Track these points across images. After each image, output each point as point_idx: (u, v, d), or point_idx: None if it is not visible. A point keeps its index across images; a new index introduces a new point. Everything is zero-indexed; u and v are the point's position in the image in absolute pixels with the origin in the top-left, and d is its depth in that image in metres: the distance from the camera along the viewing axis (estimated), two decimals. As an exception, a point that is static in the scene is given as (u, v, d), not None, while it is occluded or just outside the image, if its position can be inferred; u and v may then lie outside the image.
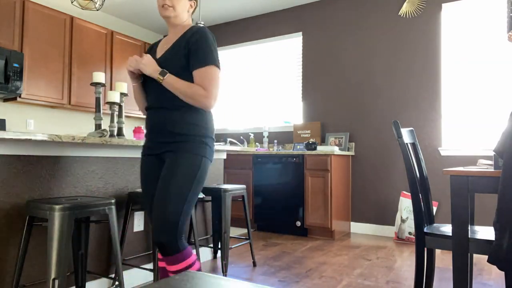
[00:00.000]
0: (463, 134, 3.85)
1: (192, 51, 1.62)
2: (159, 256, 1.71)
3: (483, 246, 1.66)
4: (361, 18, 4.46)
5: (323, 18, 4.73)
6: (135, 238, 2.60)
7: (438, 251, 3.52)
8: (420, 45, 4.10)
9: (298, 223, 4.11)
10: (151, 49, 1.85)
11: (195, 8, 1.81)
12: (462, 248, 1.66)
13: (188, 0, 1.74)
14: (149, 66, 1.63)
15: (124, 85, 2.57)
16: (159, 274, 1.75)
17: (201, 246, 3.03)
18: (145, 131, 1.71)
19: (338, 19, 4.62)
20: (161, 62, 1.66)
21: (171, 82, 1.60)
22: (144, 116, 1.66)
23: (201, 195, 2.80)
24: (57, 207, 1.71)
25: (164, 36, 1.85)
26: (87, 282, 2.26)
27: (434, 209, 3.89)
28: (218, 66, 1.64)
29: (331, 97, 4.62)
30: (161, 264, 1.72)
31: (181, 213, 1.56)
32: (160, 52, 1.75)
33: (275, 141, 4.84)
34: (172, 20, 1.72)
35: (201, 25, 1.75)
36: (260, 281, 2.63)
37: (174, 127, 1.62)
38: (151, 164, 1.73)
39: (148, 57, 1.65)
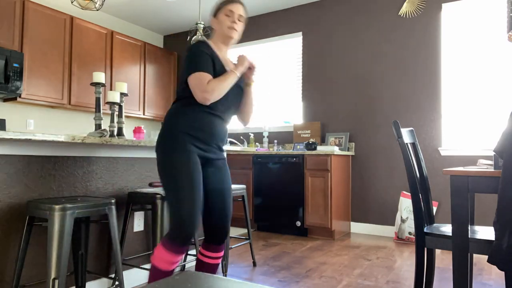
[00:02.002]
0: (463, 134, 3.85)
1: None
2: (206, 252, 1.87)
3: (483, 246, 1.66)
4: (361, 18, 4.46)
5: (323, 18, 4.73)
6: (135, 238, 2.60)
7: (438, 251, 3.52)
8: (420, 45, 4.10)
9: (298, 223, 4.11)
10: (213, 57, 1.80)
11: None
12: (462, 248, 1.66)
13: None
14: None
15: (124, 85, 2.57)
16: (206, 268, 1.90)
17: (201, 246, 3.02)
18: (198, 129, 1.73)
19: (338, 19, 4.62)
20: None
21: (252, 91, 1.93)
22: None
23: None
24: (57, 207, 1.71)
25: (205, 41, 1.83)
26: (87, 282, 2.26)
27: (434, 209, 3.89)
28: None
29: (331, 97, 4.62)
30: (206, 259, 1.88)
31: None
32: (227, 66, 1.86)
33: (275, 141, 4.84)
34: (232, 41, 1.88)
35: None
36: (260, 281, 2.63)
37: (226, 140, 1.92)
38: (198, 164, 1.74)
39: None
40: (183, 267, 2.90)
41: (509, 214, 1.47)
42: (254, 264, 3.01)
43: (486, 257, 3.31)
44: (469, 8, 3.88)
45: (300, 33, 4.90)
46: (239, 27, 1.86)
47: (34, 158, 2.02)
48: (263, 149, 4.59)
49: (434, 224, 2.08)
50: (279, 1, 4.80)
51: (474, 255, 3.45)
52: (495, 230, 1.51)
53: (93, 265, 2.32)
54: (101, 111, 2.48)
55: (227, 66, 1.83)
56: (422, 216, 1.90)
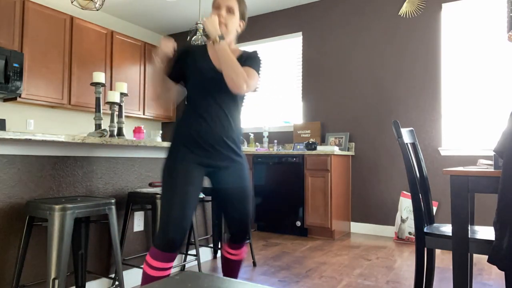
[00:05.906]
0: (463, 134, 3.85)
1: (248, 60, 1.67)
2: (230, 250, 1.87)
3: (483, 246, 1.66)
4: (361, 18, 4.46)
5: (323, 18, 4.73)
6: (135, 238, 2.60)
7: (438, 251, 3.52)
8: (420, 45, 4.10)
9: (298, 223, 4.11)
10: (189, 52, 1.73)
11: (242, 30, 1.79)
12: (462, 248, 1.66)
13: (239, 20, 1.72)
14: (212, 24, 1.55)
15: (124, 85, 2.57)
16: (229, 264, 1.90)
17: (201, 246, 3.03)
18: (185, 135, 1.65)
19: (338, 19, 4.62)
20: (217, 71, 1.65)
21: (226, 48, 1.54)
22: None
23: (201, 195, 2.80)
24: (57, 207, 1.71)
25: (203, 44, 1.78)
26: (87, 282, 2.26)
27: (434, 209, 3.89)
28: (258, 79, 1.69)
29: (331, 97, 4.62)
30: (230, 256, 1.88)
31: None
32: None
33: (275, 141, 4.84)
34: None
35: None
36: (260, 281, 2.63)
37: (229, 139, 1.70)
38: (187, 171, 1.64)
39: (214, 17, 1.58)
40: (183, 267, 2.90)
41: (509, 214, 1.47)
42: (254, 264, 3.01)
43: (486, 257, 3.31)
44: (469, 8, 3.88)
45: (300, 33, 4.90)
46: (229, 20, 1.65)
47: (34, 158, 2.02)
48: (263, 149, 4.59)
49: (434, 224, 2.08)
50: (279, 1, 4.80)
51: (474, 255, 3.45)
52: (495, 230, 1.51)
53: (93, 265, 2.32)
54: (101, 111, 2.48)
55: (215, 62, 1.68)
56: (422, 216, 1.90)
